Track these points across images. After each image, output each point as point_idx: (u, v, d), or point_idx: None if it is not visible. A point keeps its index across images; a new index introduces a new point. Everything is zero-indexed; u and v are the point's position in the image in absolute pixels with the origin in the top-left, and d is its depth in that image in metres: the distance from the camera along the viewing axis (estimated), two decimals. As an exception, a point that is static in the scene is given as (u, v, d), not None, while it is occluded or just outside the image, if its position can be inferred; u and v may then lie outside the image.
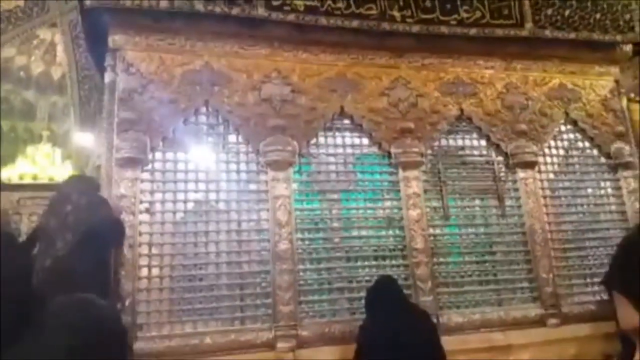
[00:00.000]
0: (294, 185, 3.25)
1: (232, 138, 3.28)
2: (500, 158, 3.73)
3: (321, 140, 3.42)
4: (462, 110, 3.68)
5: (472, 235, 3.55)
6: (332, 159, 3.44)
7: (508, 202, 3.65)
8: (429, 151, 3.59)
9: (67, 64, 12.14)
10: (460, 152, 3.75)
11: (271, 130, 3.20)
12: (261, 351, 2.85)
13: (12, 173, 9.59)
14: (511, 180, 3.71)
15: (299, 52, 3.44)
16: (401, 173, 3.45)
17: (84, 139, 10.90)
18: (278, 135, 3.20)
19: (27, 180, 8.60)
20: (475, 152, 3.78)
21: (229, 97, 3.21)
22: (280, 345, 2.88)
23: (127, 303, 2.76)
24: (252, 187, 3.24)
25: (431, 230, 3.43)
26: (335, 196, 3.38)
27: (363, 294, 2.97)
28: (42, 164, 9.65)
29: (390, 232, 3.39)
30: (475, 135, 3.75)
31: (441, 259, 3.41)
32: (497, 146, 3.71)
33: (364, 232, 3.37)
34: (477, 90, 3.76)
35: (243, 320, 2.97)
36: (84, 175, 2.92)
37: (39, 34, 12.00)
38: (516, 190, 3.68)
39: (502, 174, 3.71)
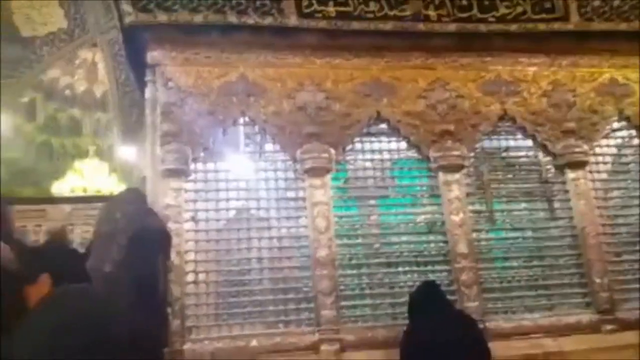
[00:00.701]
0: (332, 192, 3.40)
1: (269, 147, 3.49)
2: (548, 158, 3.72)
3: (357, 146, 3.56)
4: (505, 110, 3.69)
5: (520, 239, 3.57)
6: (369, 165, 3.57)
7: (557, 205, 3.64)
8: (471, 154, 3.64)
9: (108, 82, 12.92)
10: (504, 154, 3.78)
11: (307, 138, 3.37)
12: (306, 354, 3.01)
13: (63, 186, 10.35)
14: (560, 181, 3.69)
15: (332, 58, 3.57)
16: (441, 177, 3.51)
17: (127, 152, 11.57)
18: (314, 143, 3.36)
19: (78, 193, 9.28)
20: (521, 153, 3.79)
21: (264, 107, 3.40)
22: (324, 348, 3.03)
23: (176, 307, 2.99)
24: (291, 194, 3.41)
25: (475, 235, 3.47)
26: (373, 202, 3.50)
27: (405, 299, 3.06)
28: (90, 178, 10.36)
29: (432, 238, 3.47)
30: (519, 135, 3.77)
31: (486, 264, 3.45)
32: (544, 146, 3.70)
33: (404, 238, 3.47)
34: (521, 89, 3.76)
35: (287, 324, 3.14)
36: (132, 187, 3.21)
37: (81, 54, 12.88)
38: (566, 191, 3.66)
39: (550, 175, 3.70)
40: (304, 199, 3.35)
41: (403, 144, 3.62)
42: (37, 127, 12.50)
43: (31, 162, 11.90)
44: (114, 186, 10.14)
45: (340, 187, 3.50)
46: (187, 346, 2.98)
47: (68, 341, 0.90)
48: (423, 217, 3.51)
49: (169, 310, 2.97)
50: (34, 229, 5.61)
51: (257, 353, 3.01)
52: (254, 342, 3.05)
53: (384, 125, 3.60)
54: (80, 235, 5.30)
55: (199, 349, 2.99)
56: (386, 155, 3.61)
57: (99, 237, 2.94)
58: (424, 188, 3.59)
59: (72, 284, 1.10)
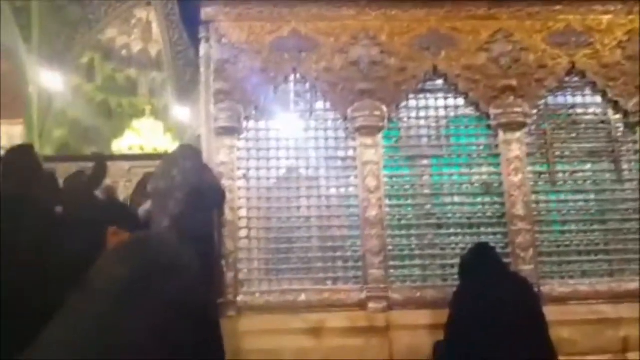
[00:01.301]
0: (383, 151, 3.40)
1: (319, 105, 3.50)
2: (618, 116, 3.50)
3: (412, 103, 3.50)
4: (573, 63, 3.48)
5: (582, 202, 3.43)
6: (422, 123, 3.51)
7: (625, 166, 3.45)
8: (534, 111, 3.49)
9: (162, 41, 13.24)
10: (571, 111, 3.59)
11: (359, 95, 3.35)
12: (353, 310, 3.12)
13: (121, 145, 10.94)
14: (630, 141, 3.48)
15: (388, 9, 3.46)
16: (501, 136, 3.41)
17: (181, 112, 11.94)
18: (366, 100, 3.34)
19: (135, 151, 9.79)
20: (589, 111, 3.59)
21: (316, 63, 3.40)
22: (371, 306, 3.12)
23: (230, 260, 3.17)
24: (341, 153, 3.44)
25: (534, 197, 3.38)
26: (426, 162, 3.46)
27: (456, 261, 3.07)
28: (146, 136, 10.86)
29: (488, 199, 3.41)
30: (588, 91, 3.55)
31: (544, 227, 3.37)
32: (615, 103, 3.48)
33: (457, 199, 3.43)
34: (593, 40, 3.51)
35: (335, 281, 3.25)
36: (189, 144, 3.35)
37: (136, 14, 13.21)
38: (636, 152, 3.45)
39: (619, 134, 3.49)
40: (354, 159, 3.37)
41: (460, 101, 3.52)
42: (96, 87, 13.13)
43: (91, 121, 12.59)
44: (169, 145, 10.59)
45: (391, 146, 3.48)
46: (239, 298, 3.16)
47: (150, 281, 0.99)
48: (479, 177, 3.45)
49: (223, 263, 3.15)
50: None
51: (305, 308, 3.15)
52: (302, 297, 3.19)
53: (440, 81, 3.51)
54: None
55: (250, 301, 3.17)
56: (441, 113, 3.53)
57: (156, 194, 3.12)
58: (481, 147, 3.50)
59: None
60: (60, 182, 3.69)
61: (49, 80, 9.99)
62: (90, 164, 5.75)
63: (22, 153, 2.86)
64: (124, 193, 5.61)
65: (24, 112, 9.04)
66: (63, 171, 5.91)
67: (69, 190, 3.62)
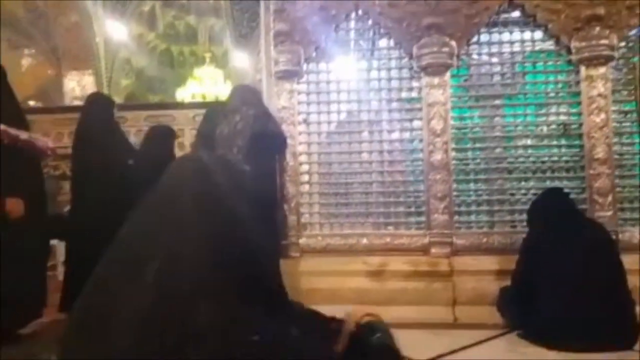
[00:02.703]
0: (451, 91, 3.31)
1: (383, 43, 3.43)
2: None
3: (483, 38, 3.34)
4: (672, -13, 3.14)
5: (674, 144, 3.19)
6: (495, 60, 3.36)
7: None
8: (622, 43, 3.22)
9: (219, -15, 13.21)
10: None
11: (426, 30, 3.24)
12: (415, 255, 3.18)
13: (185, 93, 11.37)
14: None
15: None
16: (583, 72, 3.19)
17: (240, 59, 12.09)
18: (434, 36, 3.23)
19: (198, 100, 10.16)
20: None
21: (379, -2, 3.30)
22: (434, 251, 3.17)
23: (292, 204, 3.31)
24: (405, 95, 3.39)
25: (617, 139, 3.19)
26: (497, 102, 3.34)
27: (526, 207, 3.01)
28: (207, 85, 11.20)
29: (564, 142, 3.26)
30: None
31: (626, 172, 3.19)
32: None
33: (530, 142, 3.31)
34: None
35: (397, 226, 3.31)
36: (251, 88, 3.44)
37: (194, -43, 13.22)
38: None
39: None
40: (419, 99, 3.32)
41: (538, 34, 3.31)
42: (157, 35, 13.53)
43: (155, 70, 13.10)
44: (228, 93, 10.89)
45: (460, 85, 3.37)
46: (302, 240, 3.32)
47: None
48: (556, 118, 3.29)
49: (285, 207, 3.30)
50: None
51: (366, 251, 3.25)
52: (364, 241, 3.29)
53: (516, 12, 3.30)
54: (203, 139, 5.88)
55: (313, 244, 3.32)
56: (516, 48, 3.34)
57: (219, 139, 3.27)
58: (560, 85, 3.31)
59: None
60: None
61: (114, 30, 10.43)
62: (158, 112, 6.09)
63: None
64: (189, 140, 5.90)
65: (93, 62, 9.56)
66: (132, 119, 6.30)
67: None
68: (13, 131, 2.37)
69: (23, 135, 2.40)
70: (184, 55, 13.69)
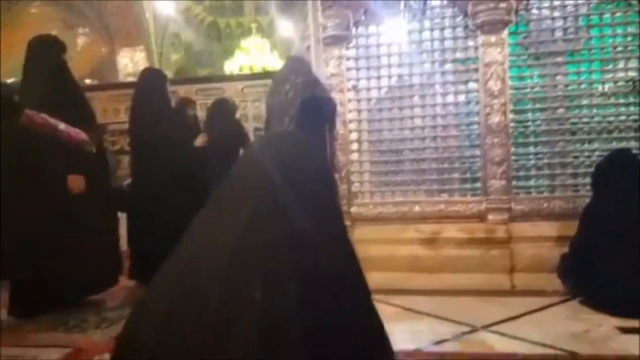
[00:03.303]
0: (509, 50, 3.17)
1: (435, 2, 3.32)
2: None
3: (544, -9, 3.17)
4: None
5: None
6: (557, 14, 3.17)
7: None
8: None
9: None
10: None
11: (481, -14, 3.10)
12: (471, 222, 3.14)
13: (232, 66, 11.51)
14: None
15: None
16: (656, 22, 2.98)
17: (286, 27, 12.03)
18: (490, -9, 3.09)
19: (245, 72, 10.27)
20: None
21: (431, -46, 3.19)
22: (491, 217, 3.12)
23: (342, 173, 3.33)
24: (460, 55, 3.28)
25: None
26: (559, 59, 3.17)
27: (590, 170, 2.90)
28: (254, 56, 11.27)
29: (632, 99, 3.07)
30: None
31: None
32: None
33: (595, 101, 3.14)
34: None
35: (452, 192, 3.26)
36: (300, 57, 3.45)
37: None
38: None
39: None
40: (475, 59, 3.20)
41: (604, -17, 3.10)
42: (204, 8, 13.65)
43: (203, 43, 13.28)
44: (276, 63, 10.87)
45: (519, 43, 3.22)
46: (353, 209, 3.35)
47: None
48: (624, 75, 3.09)
49: (336, 175, 3.33)
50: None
51: (419, 219, 3.24)
52: (417, 209, 3.28)
53: (580, -38, 3.10)
54: (252, 110, 5.96)
55: (364, 212, 3.34)
56: (580, 0, 3.15)
57: (271, 109, 3.32)
58: (629, 38, 3.09)
59: None
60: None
61: (162, 5, 10.61)
62: (208, 85, 6.22)
63: None
64: (240, 111, 5.99)
65: (144, 39, 9.82)
66: (183, 94, 6.46)
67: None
68: (52, 121, 2.55)
69: (60, 126, 2.57)
70: (231, 27, 13.77)
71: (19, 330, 2.51)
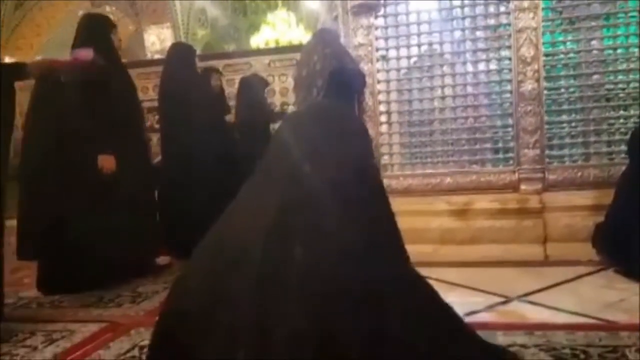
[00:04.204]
0: (543, 14, 3.05)
1: (466, -34, 3.21)
2: None
3: (580, -50, 3.02)
4: None
5: None
6: (594, -26, 3.03)
7: None
8: None
9: None
10: None
11: (513, -52, 2.98)
12: (503, 192, 3.10)
13: (259, 40, 11.45)
14: None
15: None
16: (702, -20, 2.81)
17: (311, 1, 11.84)
18: (522, -47, 2.97)
19: (272, 46, 10.21)
20: None
21: None
22: (524, 187, 3.06)
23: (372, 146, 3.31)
24: (491, 21, 3.18)
25: None
26: (594, 23, 3.04)
27: (626, 137, 2.81)
28: (280, 30, 11.16)
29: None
30: None
31: None
32: None
33: (632, 66, 3.01)
34: None
35: (483, 163, 3.21)
36: (328, 28, 3.41)
37: None
38: None
39: None
40: (507, 25, 3.10)
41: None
42: (230, -18, 13.53)
43: (229, 18, 13.22)
44: (302, 36, 10.76)
45: (553, 8, 3.10)
46: (383, 181, 3.33)
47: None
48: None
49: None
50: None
51: (450, 190, 3.21)
52: (448, 180, 3.24)
53: None
54: (279, 85, 5.97)
55: (394, 185, 3.32)
56: (617, -40, 2.99)
57: (299, 81, 3.31)
58: (671, -1, 2.94)
59: None
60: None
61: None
62: (235, 60, 6.23)
63: None
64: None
65: (170, 15, 9.85)
66: (211, 69, 6.47)
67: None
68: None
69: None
70: (256, 1, 13.66)
71: (55, 306, 2.61)
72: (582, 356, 1.58)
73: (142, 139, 3.24)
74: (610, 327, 1.85)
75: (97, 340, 2.02)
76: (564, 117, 3.11)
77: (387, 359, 1.06)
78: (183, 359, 1.14)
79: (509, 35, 3.09)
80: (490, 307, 2.14)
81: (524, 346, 1.68)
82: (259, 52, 7.38)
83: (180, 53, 3.78)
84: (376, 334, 1.05)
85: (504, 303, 2.20)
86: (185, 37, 10.16)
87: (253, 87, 4.24)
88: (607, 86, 3.05)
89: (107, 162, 2.77)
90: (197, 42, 11.15)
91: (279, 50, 7.30)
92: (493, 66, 3.19)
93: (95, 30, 2.93)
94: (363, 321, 1.05)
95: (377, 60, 3.36)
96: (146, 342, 1.92)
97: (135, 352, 1.87)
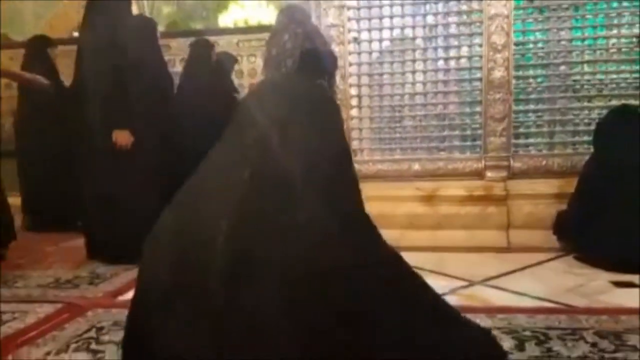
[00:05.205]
0: (515, 2, 3.09)
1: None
2: None
3: (553, -63, 3.06)
4: None
5: None
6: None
7: None
8: None
9: None
10: None
11: None
12: (469, 179, 3.14)
13: (227, 19, 11.20)
14: None
15: None
16: (668, -25, 2.90)
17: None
18: (497, -63, 2.98)
19: (240, 25, 10.00)
20: None
21: None
22: (489, 174, 3.12)
23: (341, 128, 3.30)
24: (463, 7, 3.19)
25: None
26: (564, 13, 3.10)
27: (591, 128, 2.92)
28: (250, 9, 10.96)
29: (636, 56, 3.02)
30: None
31: None
32: None
33: (599, 57, 3.09)
34: None
35: (451, 150, 3.25)
36: (299, 6, 3.34)
37: None
38: None
39: None
40: (479, 12, 3.12)
41: None
42: (196, -42, 13.14)
43: (196, -4, 12.86)
44: (272, 17, 10.59)
45: (524, -4, 3.14)
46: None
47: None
48: (628, 30, 3.03)
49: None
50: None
51: (418, 176, 3.24)
52: (416, 166, 3.27)
53: None
54: (247, 66, 5.84)
55: (364, 170, 3.31)
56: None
57: (269, 60, 3.23)
58: (637, -8, 3.02)
59: None
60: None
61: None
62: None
63: None
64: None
65: (134, -11, 9.50)
66: (176, 48, 6.29)
67: None
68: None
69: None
70: (224, -21, 13.33)
71: (8, 286, 2.51)
72: (542, 338, 1.63)
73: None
74: (570, 310, 1.91)
75: (53, 321, 1.95)
76: (531, 106, 3.17)
77: (362, 342, 1.05)
78: (152, 352, 1.10)
79: (481, 22, 3.12)
80: (454, 291, 2.18)
81: (486, 329, 1.71)
82: (227, 31, 7.22)
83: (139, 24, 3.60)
84: (350, 315, 1.04)
85: (467, 287, 2.24)
86: (149, 13, 9.84)
87: (222, 64, 4.13)
88: (574, 77, 3.12)
89: (121, 136, 2.75)
90: (162, 19, 10.81)
91: (247, 30, 7.14)
92: (464, 52, 3.22)
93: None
94: (336, 303, 1.04)
95: (349, 42, 3.33)
96: (104, 324, 1.87)
97: (92, 333, 1.81)
